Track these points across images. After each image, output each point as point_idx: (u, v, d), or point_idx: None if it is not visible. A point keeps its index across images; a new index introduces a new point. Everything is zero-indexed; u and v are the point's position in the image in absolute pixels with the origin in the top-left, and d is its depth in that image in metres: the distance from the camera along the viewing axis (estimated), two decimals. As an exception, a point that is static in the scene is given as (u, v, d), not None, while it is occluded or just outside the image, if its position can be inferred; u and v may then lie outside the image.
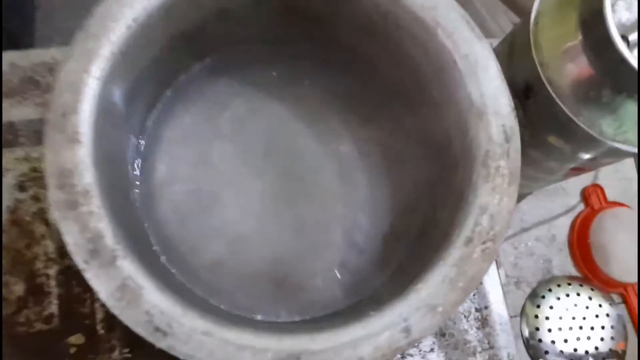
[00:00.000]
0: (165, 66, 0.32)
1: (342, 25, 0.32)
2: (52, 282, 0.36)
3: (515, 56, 0.41)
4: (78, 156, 0.23)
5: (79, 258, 0.22)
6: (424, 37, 0.29)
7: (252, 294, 0.31)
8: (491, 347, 0.38)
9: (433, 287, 0.24)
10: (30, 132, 0.39)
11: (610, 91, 0.32)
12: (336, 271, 0.33)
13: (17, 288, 0.36)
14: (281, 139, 0.35)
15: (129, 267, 0.22)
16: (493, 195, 0.25)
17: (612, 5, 0.29)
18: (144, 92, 0.30)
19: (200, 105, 0.34)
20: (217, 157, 0.34)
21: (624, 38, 0.28)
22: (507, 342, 0.38)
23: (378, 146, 0.35)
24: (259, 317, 0.30)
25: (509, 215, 0.25)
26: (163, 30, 0.28)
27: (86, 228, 0.22)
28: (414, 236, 0.32)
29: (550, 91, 0.37)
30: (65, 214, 0.22)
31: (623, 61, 0.28)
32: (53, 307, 0.35)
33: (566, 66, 0.36)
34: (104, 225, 0.23)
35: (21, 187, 0.38)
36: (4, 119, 0.39)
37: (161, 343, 0.21)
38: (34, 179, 0.38)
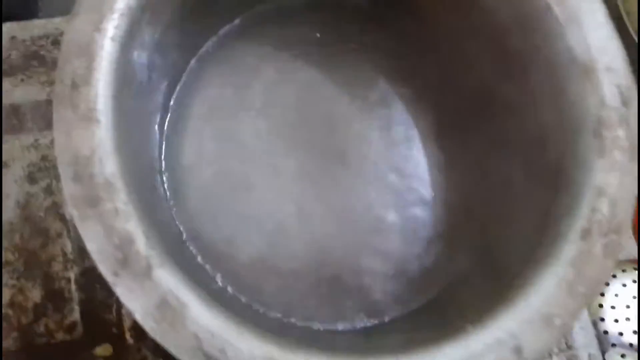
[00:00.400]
0: (190, 27, 0.26)
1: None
2: (73, 286, 0.32)
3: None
4: (96, 139, 0.18)
5: (106, 269, 0.17)
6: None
7: (304, 296, 0.27)
8: (569, 348, 0.34)
9: (547, 292, 0.19)
10: (37, 115, 0.34)
11: None
12: (395, 266, 0.28)
13: (34, 294, 0.31)
14: (319, 108, 0.30)
15: (167, 278, 0.18)
16: (612, 174, 0.20)
17: None
18: (167, 59, 0.25)
19: (228, 75, 0.29)
20: (248, 133, 0.29)
21: None
22: (588, 341, 0.34)
23: (435, 111, 0.30)
24: (316, 326, 0.25)
25: (634, 199, 0.20)
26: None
27: (112, 231, 0.18)
28: (492, 226, 0.27)
29: (636, 39, 0.31)
30: (85, 213, 0.18)
31: None
32: (75, 315, 0.31)
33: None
34: (133, 226, 0.18)
35: (31, 179, 0.33)
36: (6, 101, 0.34)
37: (214, 374, 0.17)
38: (45, 169, 0.33)
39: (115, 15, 0.19)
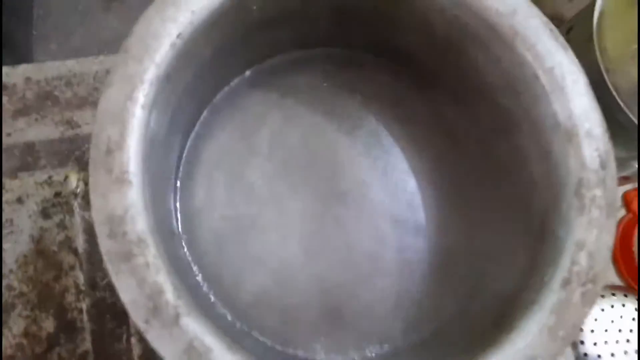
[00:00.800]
0: (205, 83, 0.29)
1: (395, 29, 0.29)
2: (85, 317, 0.33)
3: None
4: (128, 199, 0.20)
5: (138, 318, 0.19)
6: (497, 48, 0.26)
7: (308, 329, 0.29)
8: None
9: (531, 337, 0.21)
10: (51, 153, 0.36)
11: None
12: (394, 302, 0.30)
13: (47, 324, 0.33)
14: (321, 152, 0.32)
15: (194, 325, 0.20)
16: (590, 229, 0.23)
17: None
18: (183, 115, 0.27)
19: (237, 123, 0.31)
20: (255, 176, 0.31)
21: None
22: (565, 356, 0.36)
23: (432, 160, 0.32)
24: (321, 357, 0.27)
25: (609, 252, 0.23)
26: (207, 44, 0.25)
27: (144, 282, 0.20)
28: (482, 270, 0.29)
29: (617, 99, 0.34)
30: (119, 268, 0.20)
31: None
32: (87, 344, 0.33)
33: (633, 71, 0.34)
34: (162, 278, 0.20)
35: (45, 214, 0.35)
36: (21, 139, 0.36)
37: (236, 415, 0.19)
38: (58, 205, 0.35)
39: (146, 86, 0.21)
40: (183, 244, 0.28)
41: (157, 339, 0.19)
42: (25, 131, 0.36)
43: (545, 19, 0.25)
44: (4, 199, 0.34)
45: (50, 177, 0.35)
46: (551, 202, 0.24)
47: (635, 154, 0.37)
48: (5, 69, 0.36)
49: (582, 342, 0.44)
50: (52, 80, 0.37)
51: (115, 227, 0.20)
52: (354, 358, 0.28)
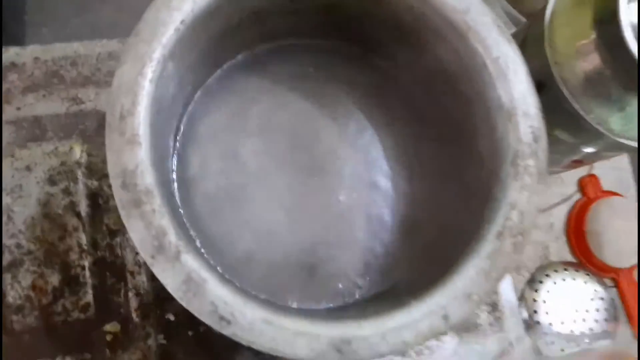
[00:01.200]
0: (202, 66, 0.33)
1: (375, 24, 0.33)
2: (87, 273, 0.37)
3: (527, 52, 0.43)
4: (138, 157, 0.24)
5: (145, 254, 0.23)
6: (455, 40, 0.30)
7: (286, 283, 0.33)
8: (501, 330, 0.41)
9: (469, 278, 0.26)
10: (57, 126, 0.39)
11: (620, 89, 0.34)
12: (362, 261, 0.34)
13: (53, 279, 0.37)
14: (307, 134, 0.36)
15: (192, 261, 0.24)
16: (522, 192, 0.27)
17: (627, 5, 0.31)
18: (182, 92, 0.31)
19: (230, 102, 0.35)
20: (246, 152, 0.35)
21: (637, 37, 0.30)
22: (516, 325, 0.41)
23: (403, 138, 0.37)
24: (295, 305, 0.32)
25: (537, 211, 0.27)
26: (205, 30, 0.29)
27: (151, 225, 0.24)
28: (438, 228, 0.34)
29: (564, 90, 0.39)
30: (130, 212, 0.24)
31: (633, 60, 0.30)
32: (89, 297, 0.37)
33: (579, 64, 0.38)
34: (166, 223, 0.24)
35: (51, 181, 0.38)
36: (31, 113, 0.39)
37: (226, 330, 0.23)
38: (63, 173, 0.39)
39: (154, 63, 0.25)
40: (179, 204, 0.32)
41: (161, 272, 0.24)
42: (34, 106, 0.39)
43: (494, 16, 0.30)
44: (14, 166, 0.38)
45: (56, 148, 0.39)
46: (493, 170, 0.29)
47: (584, 140, 0.41)
48: (15, 49, 0.40)
49: (535, 312, 0.49)
50: (59, 60, 0.40)
51: (127, 180, 0.24)
52: (327, 306, 0.33)
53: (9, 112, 0.39)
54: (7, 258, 0.36)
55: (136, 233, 0.24)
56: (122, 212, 0.24)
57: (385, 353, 0.25)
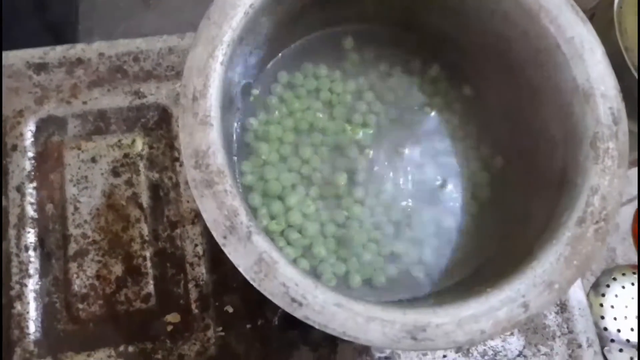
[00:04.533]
0: (265, 54, 0.33)
1: (433, 10, 0.32)
2: (148, 264, 0.38)
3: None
4: (210, 138, 0.25)
5: (218, 234, 0.23)
6: (523, 22, 0.29)
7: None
8: (570, 332, 0.39)
9: (549, 264, 0.25)
10: (120, 119, 0.40)
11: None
12: (423, 260, 0.33)
13: (116, 269, 0.37)
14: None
15: (263, 243, 0.24)
16: (603, 176, 0.26)
17: None
18: (248, 73, 0.31)
19: (287, 93, 0.35)
20: (301, 146, 0.34)
21: None
22: (586, 326, 0.39)
23: (466, 124, 0.35)
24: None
25: (620, 196, 0.26)
26: (271, 15, 0.29)
27: (223, 205, 0.24)
28: (518, 215, 0.32)
29: (636, 75, 0.37)
30: (203, 192, 0.24)
31: None
32: (150, 287, 0.37)
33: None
34: (237, 204, 0.24)
35: (115, 173, 0.39)
36: (96, 107, 0.40)
37: (298, 313, 0.23)
38: (126, 165, 0.39)
39: (224, 46, 0.26)
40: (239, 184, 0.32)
41: (233, 252, 0.23)
42: (99, 100, 0.40)
43: (567, -5, 0.29)
44: (80, 158, 0.39)
45: (119, 141, 0.40)
46: (570, 155, 0.28)
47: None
48: (81, 45, 0.41)
49: (602, 317, 0.46)
50: (122, 55, 0.41)
51: (200, 160, 0.24)
52: (399, 298, 0.32)
53: (75, 106, 0.40)
54: (73, 247, 0.37)
55: (209, 213, 0.24)
56: (194, 192, 0.24)
57: (461, 343, 0.24)
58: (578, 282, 0.41)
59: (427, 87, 0.36)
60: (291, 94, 0.35)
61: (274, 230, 0.32)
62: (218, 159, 0.24)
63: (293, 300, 0.23)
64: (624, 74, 0.38)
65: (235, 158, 0.32)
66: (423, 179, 0.34)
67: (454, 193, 0.34)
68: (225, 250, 0.23)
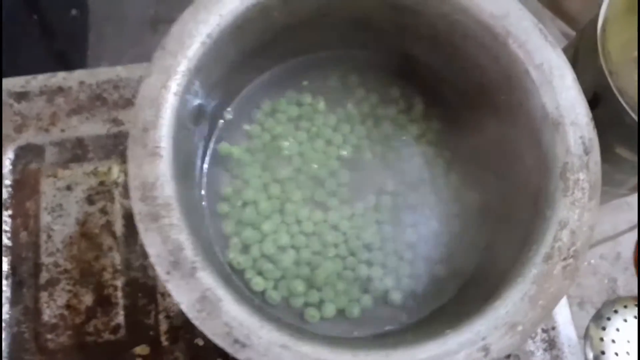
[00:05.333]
0: (230, 83, 0.32)
1: (410, 35, 0.32)
2: (119, 294, 0.37)
3: (579, 65, 0.40)
4: (159, 169, 0.24)
5: (161, 269, 0.23)
6: (494, 47, 0.28)
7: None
8: (560, 370, 0.37)
9: (512, 304, 0.23)
10: (98, 147, 0.40)
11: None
12: (399, 287, 0.32)
13: (87, 298, 0.37)
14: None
15: (207, 278, 0.23)
16: (573, 209, 0.25)
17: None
18: (212, 104, 0.31)
19: (260, 119, 0.35)
20: (277, 171, 0.34)
21: None
22: (577, 363, 0.37)
23: (440, 150, 0.35)
24: (320, 332, 0.30)
25: (590, 230, 0.24)
26: (235, 44, 0.29)
27: (168, 240, 0.23)
28: (484, 249, 0.31)
29: (621, 101, 0.35)
30: (148, 226, 0.23)
31: None
32: (120, 318, 0.36)
33: (636, 73, 0.35)
34: (184, 238, 0.23)
35: (90, 201, 0.39)
36: (74, 134, 0.40)
37: (240, 355, 0.22)
38: (101, 193, 0.39)
39: (178, 76, 0.25)
40: (208, 220, 0.32)
41: (175, 288, 0.22)
42: (77, 127, 0.40)
43: (535, 20, 0.28)
44: (56, 185, 0.39)
45: (96, 168, 0.40)
46: (542, 185, 0.26)
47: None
48: (62, 73, 0.42)
49: (603, 353, 0.44)
50: (102, 83, 0.41)
51: (147, 192, 0.24)
52: (365, 334, 0.30)
53: (54, 134, 0.40)
54: (44, 276, 0.37)
55: (153, 248, 0.23)
56: (139, 226, 0.23)
57: (415, 388, 0.22)
58: (568, 317, 0.39)
59: (404, 114, 0.35)
60: (272, 121, 0.34)
61: (241, 264, 0.31)
62: (166, 191, 0.24)
63: (236, 341, 0.22)
64: (609, 98, 0.37)
65: (204, 191, 0.32)
66: (397, 207, 0.33)
67: (425, 222, 0.33)
68: (168, 286, 0.22)
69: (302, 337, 0.22)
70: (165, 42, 0.26)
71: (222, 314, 0.22)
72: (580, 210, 0.24)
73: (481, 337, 0.22)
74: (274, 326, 0.22)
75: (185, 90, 0.26)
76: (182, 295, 0.22)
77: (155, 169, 0.24)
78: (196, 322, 0.22)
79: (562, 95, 0.26)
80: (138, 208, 0.23)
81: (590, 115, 0.27)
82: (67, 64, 0.89)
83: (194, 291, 0.22)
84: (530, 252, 0.25)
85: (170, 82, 0.25)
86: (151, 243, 0.23)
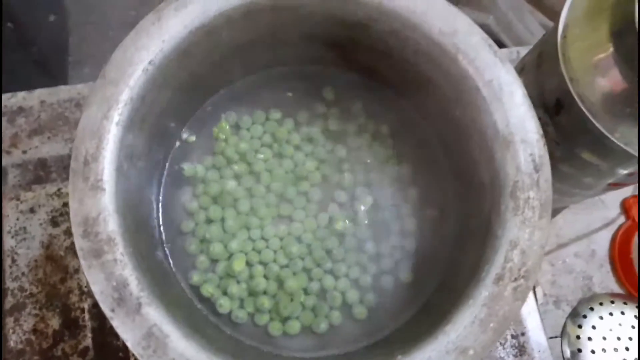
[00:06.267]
0: (183, 105, 0.32)
1: (360, 50, 0.31)
2: (87, 316, 0.37)
3: (544, 68, 0.40)
4: (101, 204, 0.24)
5: (105, 307, 0.22)
6: (445, 63, 0.28)
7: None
8: (530, 375, 0.37)
9: (462, 328, 0.23)
10: (61, 167, 0.40)
11: (647, 105, 0.31)
12: (356, 308, 0.32)
13: (53, 322, 0.36)
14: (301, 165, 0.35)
15: (154, 314, 0.22)
16: (523, 229, 0.24)
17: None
18: (165, 129, 0.31)
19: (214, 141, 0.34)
20: (234, 192, 0.34)
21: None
22: (547, 367, 0.37)
23: (401, 165, 0.34)
24: (284, 353, 0.29)
25: (541, 250, 0.24)
26: (181, 69, 0.28)
27: (112, 276, 0.23)
28: (444, 268, 0.31)
29: (582, 108, 0.35)
30: (91, 263, 0.23)
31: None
32: (88, 340, 0.36)
33: (598, 80, 0.35)
34: (128, 273, 0.23)
35: (54, 223, 0.39)
36: (35, 156, 0.40)
37: (187, 393, 0.21)
38: (66, 214, 0.39)
39: (120, 105, 0.25)
40: (165, 246, 0.31)
41: (121, 326, 0.22)
42: (39, 148, 0.40)
43: (485, 35, 0.27)
44: (19, 208, 0.39)
45: (59, 189, 0.39)
46: (494, 204, 0.26)
47: (614, 162, 0.38)
48: (22, 93, 0.41)
49: (579, 350, 0.44)
50: (64, 102, 0.41)
51: (89, 228, 0.23)
52: (318, 355, 0.30)
53: (15, 156, 0.40)
54: (10, 301, 0.37)
55: (96, 285, 0.23)
56: (82, 263, 0.23)
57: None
58: (538, 322, 0.39)
59: (365, 129, 0.35)
60: (236, 138, 0.34)
61: (207, 287, 0.31)
62: (109, 226, 0.23)
63: (183, 377, 0.22)
64: (571, 104, 0.36)
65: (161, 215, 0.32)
66: (356, 222, 0.33)
67: (386, 238, 0.32)
68: (113, 323, 0.22)
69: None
70: (106, 71, 0.26)
71: (169, 351, 0.22)
72: (531, 230, 0.24)
73: (431, 364, 0.22)
74: (223, 359, 0.22)
75: (129, 119, 0.26)
76: (127, 332, 0.22)
77: (97, 204, 0.23)
78: (142, 360, 0.22)
79: (512, 112, 0.26)
80: (80, 244, 0.23)
81: (541, 131, 0.26)
82: (47, 71, 0.88)
83: (139, 328, 0.22)
84: (482, 273, 0.24)
85: (111, 112, 0.25)
86: (95, 280, 0.23)
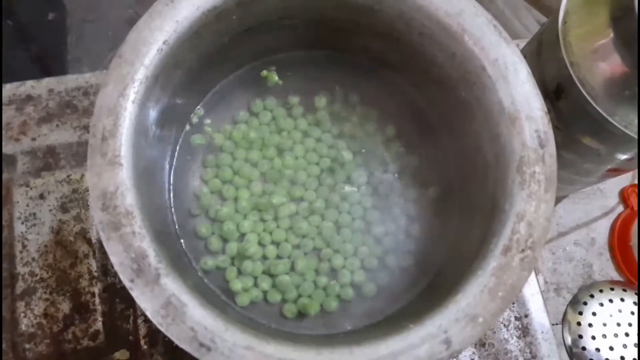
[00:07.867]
0: (195, 85, 0.32)
1: (365, 33, 0.32)
2: (97, 300, 0.37)
3: (544, 56, 0.41)
4: (119, 178, 0.24)
5: (125, 277, 0.23)
6: (450, 44, 0.29)
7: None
8: (533, 357, 0.37)
9: (472, 297, 0.24)
10: (69, 155, 0.40)
11: (646, 88, 0.32)
12: (366, 286, 0.32)
13: (64, 306, 0.37)
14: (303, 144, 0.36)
15: (171, 284, 0.23)
16: (529, 202, 0.25)
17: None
18: (176, 110, 0.31)
19: (228, 118, 0.35)
20: (246, 170, 0.34)
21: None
22: (550, 351, 0.38)
23: (406, 148, 0.35)
24: (300, 331, 0.30)
25: (547, 222, 0.25)
26: (193, 50, 0.29)
27: (130, 248, 0.23)
28: (450, 245, 0.31)
29: (583, 91, 0.36)
30: (110, 235, 0.23)
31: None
32: (98, 324, 0.37)
33: (598, 65, 0.36)
34: (146, 245, 0.23)
35: (64, 209, 0.39)
36: (44, 143, 0.40)
37: (206, 358, 0.22)
38: (75, 200, 0.39)
39: (136, 84, 0.25)
40: (176, 225, 0.32)
41: (140, 295, 0.23)
42: (48, 136, 0.40)
43: (490, 16, 0.28)
44: (28, 195, 0.39)
45: (68, 176, 0.40)
46: (500, 179, 0.27)
47: (614, 146, 0.38)
48: (31, 82, 0.42)
49: (580, 337, 0.45)
50: (72, 91, 0.41)
51: (108, 201, 0.24)
52: (332, 332, 0.31)
53: (25, 143, 0.40)
54: (21, 286, 0.37)
55: (116, 256, 0.23)
56: (101, 235, 0.23)
57: (377, 383, 0.23)
58: (540, 304, 0.40)
59: (368, 115, 0.36)
60: (245, 125, 0.35)
61: (219, 264, 0.32)
62: (127, 199, 0.24)
63: (201, 345, 0.22)
64: (571, 89, 0.37)
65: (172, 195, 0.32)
66: (364, 204, 0.34)
67: (393, 220, 0.33)
68: (133, 294, 0.23)
69: (266, 338, 0.23)
70: (122, 51, 0.26)
71: (187, 319, 0.23)
72: (537, 203, 0.25)
73: (443, 330, 0.23)
74: (238, 328, 0.23)
75: (144, 97, 0.26)
76: (146, 302, 0.23)
77: (115, 178, 0.24)
78: (162, 328, 0.22)
79: (517, 89, 0.27)
80: (99, 217, 0.23)
81: (545, 108, 0.27)
82: (46, 68, 0.88)
83: (158, 297, 0.23)
84: (490, 245, 0.25)
85: (127, 91, 0.25)
86: (114, 252, 0.23)
